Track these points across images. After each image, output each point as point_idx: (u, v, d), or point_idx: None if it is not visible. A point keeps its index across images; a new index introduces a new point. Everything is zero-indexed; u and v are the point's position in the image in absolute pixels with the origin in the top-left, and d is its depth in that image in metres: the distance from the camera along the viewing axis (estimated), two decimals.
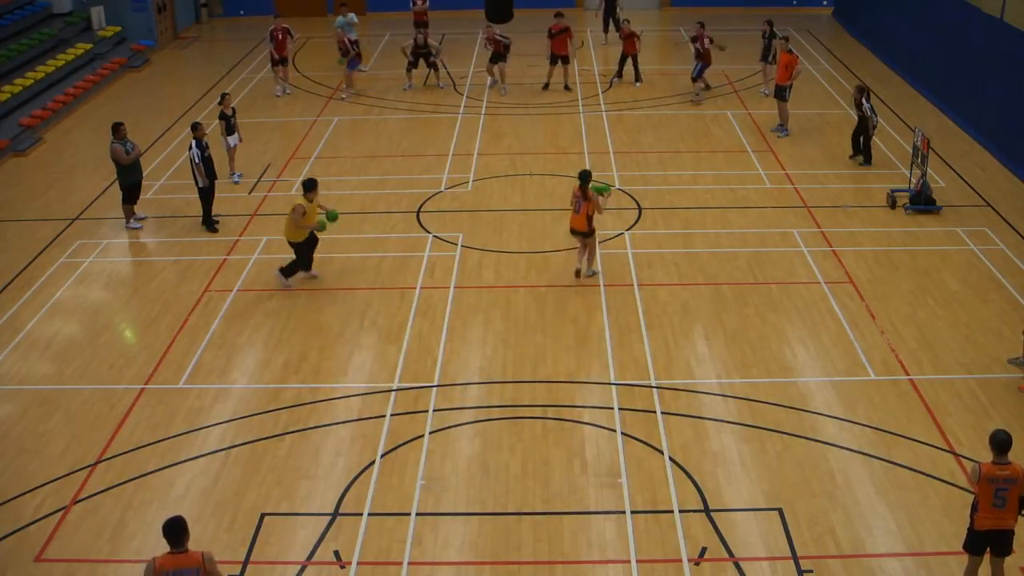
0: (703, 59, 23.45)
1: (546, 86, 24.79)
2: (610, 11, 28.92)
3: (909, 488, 11.13)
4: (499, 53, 24.49)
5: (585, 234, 15.31)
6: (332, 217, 15.63)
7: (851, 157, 20.11)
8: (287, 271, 15.56)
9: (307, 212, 15.14)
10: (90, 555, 10.40)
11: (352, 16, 26.28)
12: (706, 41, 23.23)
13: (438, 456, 11.78)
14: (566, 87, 24.86)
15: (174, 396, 13.07)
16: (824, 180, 19.22)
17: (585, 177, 15.08)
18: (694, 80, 23.82)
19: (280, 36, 24.46)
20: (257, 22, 32.36)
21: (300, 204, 15.12)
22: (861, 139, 19.91)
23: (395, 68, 26.51)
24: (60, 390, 13.28)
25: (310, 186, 15.27)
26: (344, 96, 24.66)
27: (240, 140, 19.55)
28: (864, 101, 19.38)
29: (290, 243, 15.45)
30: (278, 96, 24.95)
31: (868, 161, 19.85)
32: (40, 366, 13.88)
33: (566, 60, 24.50)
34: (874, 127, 19.69)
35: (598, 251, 15.87)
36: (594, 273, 15.67)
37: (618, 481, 11.27)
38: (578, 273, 15.61)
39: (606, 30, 29.34)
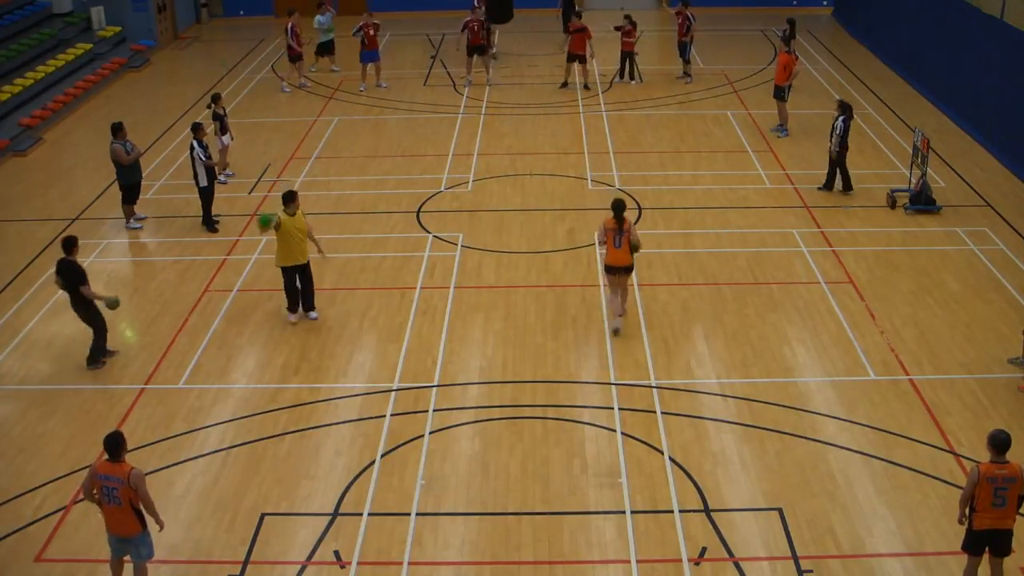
0: (681, 34, 24.69)
1: (564, 84, 24.89)
2: (569, 9, 28.30)
3: (909, 488, 11.13)
4: (479, 44, 24.38)
5: (630, 268, 13.86)
6: (265, 221, 14.17)
7: (819, 188, 18.51)
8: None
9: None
10: (90, 555, 10.40)
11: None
12: (688, 16, 24.48)
13: (438, 456, 11.78)
14: (585, 86, 24.85)
15: (174, 396, 13.07)
16: (824, 180, 19.19)
17: (620, 207, 13.59)
18: (686, 61, 25.12)
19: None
20: (257, 22, 32.41)
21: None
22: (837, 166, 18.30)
23: (395, 68, 26.48)
24: (60, 390, 13.28)
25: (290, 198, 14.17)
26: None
27: (232, 139, 19.76)
28: (840, 119, 17.86)
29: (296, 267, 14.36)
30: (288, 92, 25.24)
31: (848, 188, 18.27)
32: (40, 366, 13.88)
33: (583, 60, 24.47)
34: (836, 150, 17.97)
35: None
36: (624, 312, 14.14)
37: (618, 481, 11.27)
38: (617, 331, 13.92)
39: (566, 30, 28.86)
